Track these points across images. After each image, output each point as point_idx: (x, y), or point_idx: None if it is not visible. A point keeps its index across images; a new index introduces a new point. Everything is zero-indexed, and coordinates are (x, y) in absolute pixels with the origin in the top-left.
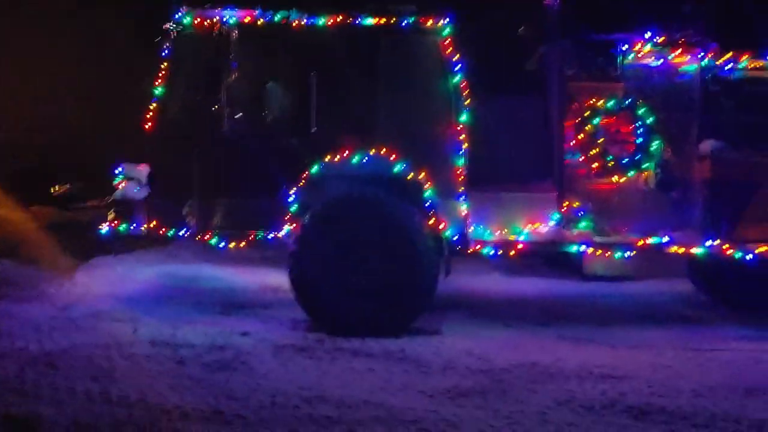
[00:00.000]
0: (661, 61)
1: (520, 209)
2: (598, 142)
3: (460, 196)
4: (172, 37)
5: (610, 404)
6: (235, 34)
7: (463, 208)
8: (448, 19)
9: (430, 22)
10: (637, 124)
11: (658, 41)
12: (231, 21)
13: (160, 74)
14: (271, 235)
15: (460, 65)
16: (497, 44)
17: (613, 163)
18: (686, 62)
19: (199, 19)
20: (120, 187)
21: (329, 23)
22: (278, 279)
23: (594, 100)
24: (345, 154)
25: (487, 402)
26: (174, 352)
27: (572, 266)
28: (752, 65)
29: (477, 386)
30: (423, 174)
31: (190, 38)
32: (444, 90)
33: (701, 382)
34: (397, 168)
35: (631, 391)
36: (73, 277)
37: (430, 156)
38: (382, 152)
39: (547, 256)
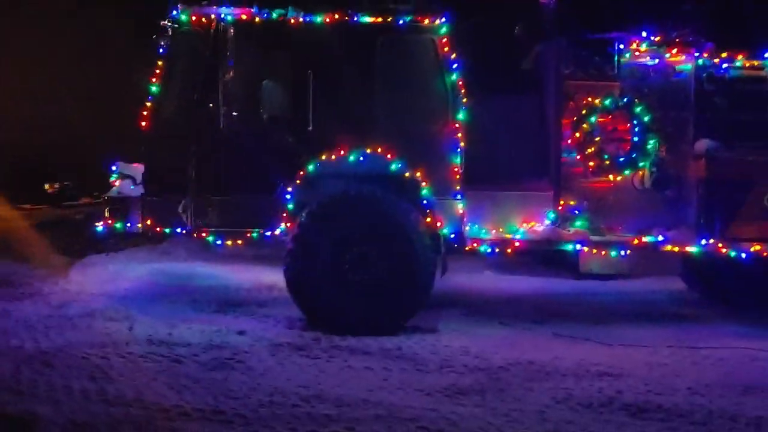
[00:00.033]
0: (657, 60)
1: (516, 208)
2: (595, 140)
3: (457, 195)
4: (169, 34)
5: (608, 402)
6: (231, 31)
7: (460, 207)
8: (444, 18)
9: (426, 21)
10: (633, 123)
11: (654, 40)
12: (228, 18)
13: (157, 72)
14: (268, 233)
15: (456, 64)
16: (494, 43)
17: (609, 161)
18: (682, 61)
19: (195, 17)
20: (115, 185)
21: (326, 21)
22: (273, 277)
23: (590, 98)
24: (342, 153)
25: (486, 400)
26: (171, 351)
27: (567, 264)
28: (747, 65)
29: (475, 384)
30: (420, 172)
31: (186, 36)
32: (441, 88)
33: (697, 380)
34: (394, 166)
35: (628, 389)
36: (66, 276)
37: (427, 154)
38: (378, 150)
39: (542, 255)
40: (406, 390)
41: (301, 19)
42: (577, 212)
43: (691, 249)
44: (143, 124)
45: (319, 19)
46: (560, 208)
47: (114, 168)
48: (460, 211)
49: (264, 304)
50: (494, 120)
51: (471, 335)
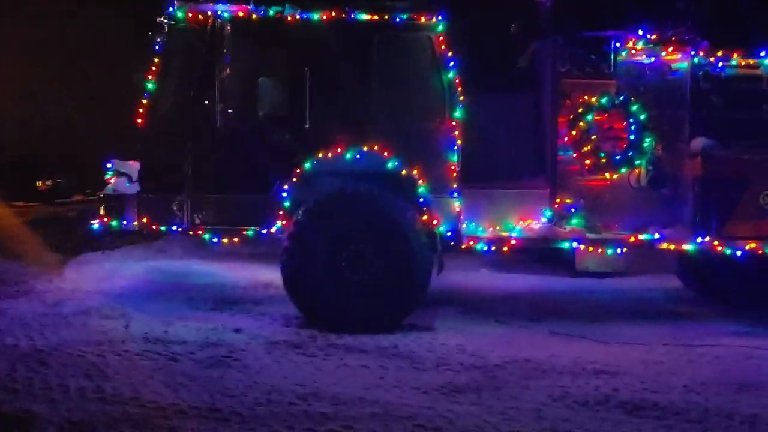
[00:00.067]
0: (653, 58)
1: (513, 205)
2: (591, 138)
3: (454, 192)
4: (165, 31)
5: (604, 400)
6: (228, 28)
7: (457, 205)
8: (441, 16)
9: (423, 19)
10: (629, 121)
11: (651, 39)
12: (224, 15)
13: (153, 69)
14: (264, 231)
15: (453, 62)
16: (491, 41)
17: (605, 159)
18: (678, 60)
19: (192, 14)
20: (111, 182)
21: (323, 18)
22: (269, 275)
23: (586, 96)
24: (338, 150)
25: (482, 398)
26: (167, 349)
27: (563, 262)
28: (743, 63)
29: (471, 382)
30: (416, 170)
31: (183, 33)
32: (437, 86)
33: (693, 378)
34: (391, 164)
35: (624, 386)
36: (61, 273)
37: (424, 152)
38: (375, 148)
39: (538, 253)
40: (402, 388)
41: (297, 17)
42: (573, 210)
43: (687, 247)
44: (139, 121)
45: (315, 16)
46: (557, 206)
47: (109, 165)
48: (457, 209)
49: (260, 302)
50: (491, 118)
51: (467, 333)
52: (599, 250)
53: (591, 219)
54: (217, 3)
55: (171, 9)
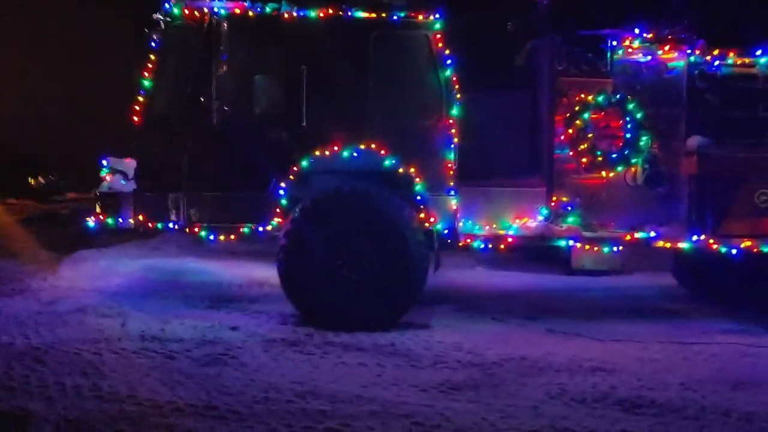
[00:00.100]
0: (650, 57)
1: (509, 204)
2: (587, 137)
3: (451, 191)
4: (161, 28)
5: (602, 397)
6: (224, 25)
7: (454, 203)
8: (438, 14)
9: (420, 17)
10: (625, 120)
11: (647, 37)
12: (221, 12)
13: (149, 66)
14: (261, 229)
15: (450, 60)
16: (488, 39)
17: (601, 158)
18: (674, 59)
19: (188, 10)
20: (106, 180)
21: (320, 16)
22: (265, 273)
23: (583, 95)
24: (335, 148)
25: (480, 396)
26: (163, 347)
27: (558, 260)
28: (739, 62)
29: (469, 380)
30: (413, 168)
31: (179, 30)
32: (434, 84)
33: (689, 376)
34: (388, 162)
35: (621, 384)
36: (56, 271)
37: (421, 150)
38: (372, 146)
39: (532, 251)
40: (400, 386)
41: (294, 14)
42: (569, 208)
43: (683, 245)
44: (135, 118)
45: (312, 14)
46: (553, 204)
47: (105, 163)
48: (454, 207)
49: (256, 300)
50: (488, 116)
51: (464, 331)
52: (595, 249)
53: (587, 217)
54: (214, 0)
55: (167, 5)
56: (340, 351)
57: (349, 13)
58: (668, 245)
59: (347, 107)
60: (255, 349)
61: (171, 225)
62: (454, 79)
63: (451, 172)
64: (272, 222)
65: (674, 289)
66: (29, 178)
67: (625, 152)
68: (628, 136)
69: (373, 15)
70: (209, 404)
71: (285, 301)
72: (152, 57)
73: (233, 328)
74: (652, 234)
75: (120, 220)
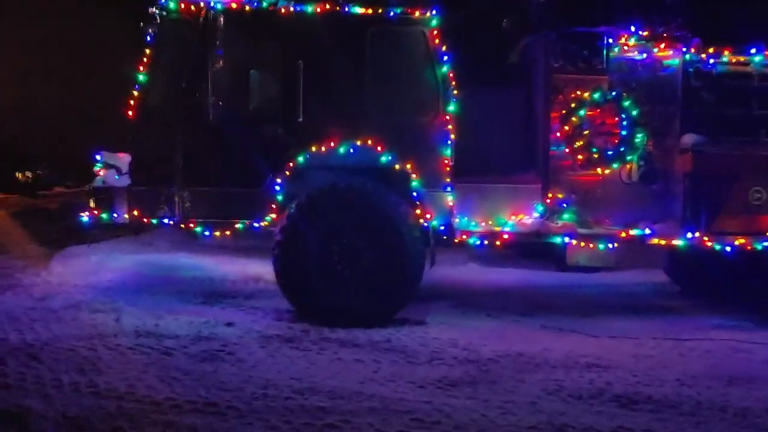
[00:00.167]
0: (645, 54)
1: (505, 200)
2: (583, 134)
3: (447, 187)
4: (157, 22)
5: (598, 393)
6: (221, 20)
7: (450, 199)
8: (435, 10)
9: (417, 13)
10: (621, 117)
11: (643, 35)
12: (217, 7)
13: (144, 60)
14: (256, 225)
15: (447, 56)
16: (484, 36)
17: (597, 155)
18: (670, 56)
19: (184, 4)
20: (99, 174)
21: (317, 12)
22: (258, 269)
23: (579, 92)
24: (332, 144)
25: (478, 392)
26: (159, 343)
27: (551, 256)
28: (734, 60)
29: (466, 376)
30: (409, 164)
31: (174, 24)
32: (431, 81)
33: (684, 372)
34: (384, 158)
35: (617, 380)
36: (47, 267)
37: (417, 147)
38: (368, 143)
39: (526, 247)
40: (397, 382)
41: (291, 9)
42: (565, 205)
43: (677, 242)
44: (130, 113)
45: (309, 9)
46: (548, 200)
47: (98, 158)
48: (450, 204)
49: (251, 296)
50: (484, 113)
51: (459, 327)
52: (590, 245)
53: (582, 214)
54: None
55: (163, 0)
56: (336, 347)
57: (346, 9)
58: (663, 242)
59: (344, 103)
60: (251, 345)
61: (165, 220)
62: (451, 75)
63: (447, 169)
64: (267, 218)
65: (668, 286)
66: (16, 173)
67: (621, 149)
68: (624, 133)
69: (370, 11)
70: (208, 401)
71: (280, 297)
72: (147, 51)
73: (229, 324)
74: (647, 231)
75: (114, 215)
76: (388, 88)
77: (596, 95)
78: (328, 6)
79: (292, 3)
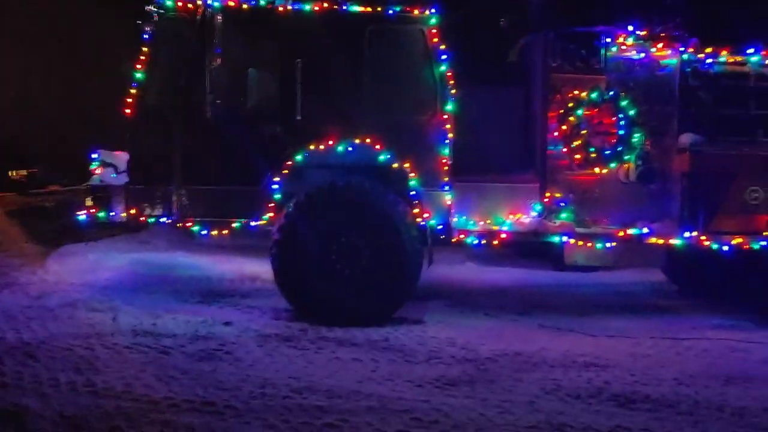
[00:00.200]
0: (643, 54)
1: (503, 199)
2: (581, 133)
3: (445, 186)
4: (154, 19)
5: (596, 393)
6: (218, 18)
7: (448, 198)
8: (434, 9)
9: (416, 11)
10: (618, 117)
11: (640, 35)
12: (215, 5)
13: (141, 58)
14: (254, 224)
15: (445, 55)
16: (483, 34)
17: (594, 154)
18: (667, 56)
19: (182, 2)
20: (96, 173)
21: (315, 10)
22: (255, 268)
23: (577, 91)
24: (330, 143)
25: (476, 391)
26: (156, 342)
27: (550, 256)
28: (731, 60)
29: (464, 375)
30: (408, 163)
31: (172, 21)
32: (429, 79)
33: (682, 371)
34: (382, 157)
35: (614, 379)
36: (43, 265)
37: (415, 145)
38: (367, 141)
39: (522, 246)
40: (395, 381)
41: (289, 7)
42: (562, 204)
43: (675, 241)
44: (128, 111)
45: (307, 7)
46: (546, 200)
47: (95, 156)
48: (448, 203)
49: (248, 295)
50: (482, 112)
51: (457, 326)
52: (588, 245)
53: (580, 213)
54: None
55: None
56: (334, 346)
57: (345, 7)
58: (661, 242)
59: (342, 102)
60: (249, 344)
61: (163, 219)
62: (449, 74)
63: (445, 168)
64: (265, 217)
65: (665, 285)
66: (9, 172)
67: (618, 149)
68: (621, 132)
69: (369, 9)
70: (206, 400)
71: (277, 296)
72: (145, 49)
73: (226, 323)
74: (645, 230)
75: (111, 213)
76: (386, 86)
77: (594, 95)
78: (326, 4)
79: (290, 1)
